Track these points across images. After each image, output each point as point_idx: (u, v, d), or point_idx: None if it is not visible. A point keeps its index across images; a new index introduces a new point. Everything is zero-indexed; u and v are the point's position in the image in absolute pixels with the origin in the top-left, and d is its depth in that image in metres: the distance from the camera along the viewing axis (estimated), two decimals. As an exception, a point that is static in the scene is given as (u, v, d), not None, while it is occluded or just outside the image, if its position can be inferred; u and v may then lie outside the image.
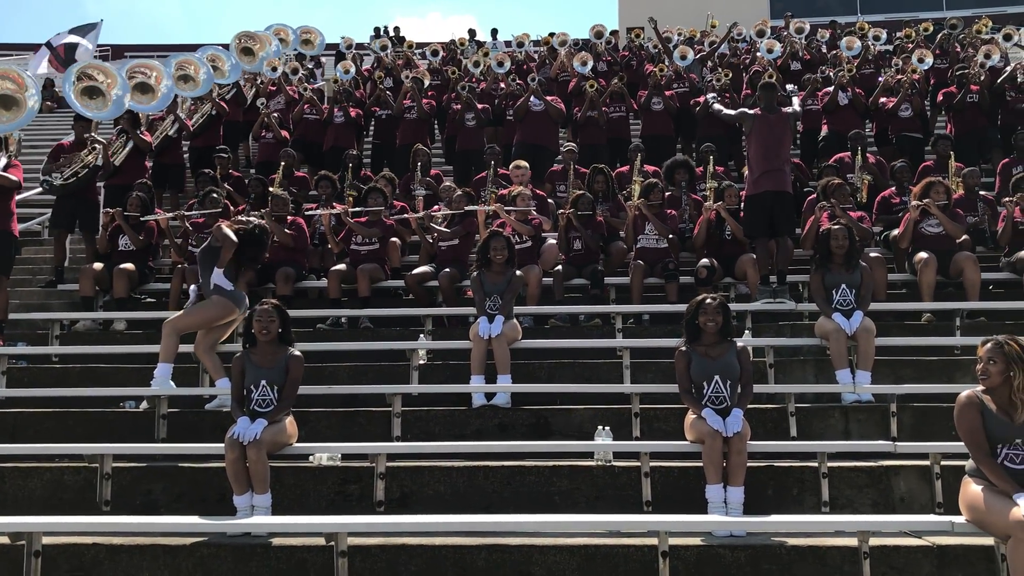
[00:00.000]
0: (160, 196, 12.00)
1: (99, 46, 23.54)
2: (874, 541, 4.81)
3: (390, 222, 9.37)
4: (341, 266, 8.93)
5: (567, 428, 6.60)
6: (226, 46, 13.58)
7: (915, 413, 6.49)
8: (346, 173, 11.24)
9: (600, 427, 6.08)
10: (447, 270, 8.70)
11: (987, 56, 12.96)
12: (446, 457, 6.10)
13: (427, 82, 14.24)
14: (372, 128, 13.94)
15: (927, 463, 5.66)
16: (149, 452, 6.27)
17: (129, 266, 9.17)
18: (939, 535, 4.91)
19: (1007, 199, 8.82)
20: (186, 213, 9.72)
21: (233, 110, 13.46)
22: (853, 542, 4.81)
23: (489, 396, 6.91)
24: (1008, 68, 12.95)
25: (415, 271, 8.94)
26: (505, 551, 5.00)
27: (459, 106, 12.67)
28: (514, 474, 5.87)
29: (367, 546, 5.03)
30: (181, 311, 7.27)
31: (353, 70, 14.91)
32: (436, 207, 9.78)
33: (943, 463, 5.58)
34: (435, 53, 15.99)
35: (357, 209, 9.46)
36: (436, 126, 14.40)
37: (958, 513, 4.73)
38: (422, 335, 7.99)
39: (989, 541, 4.71)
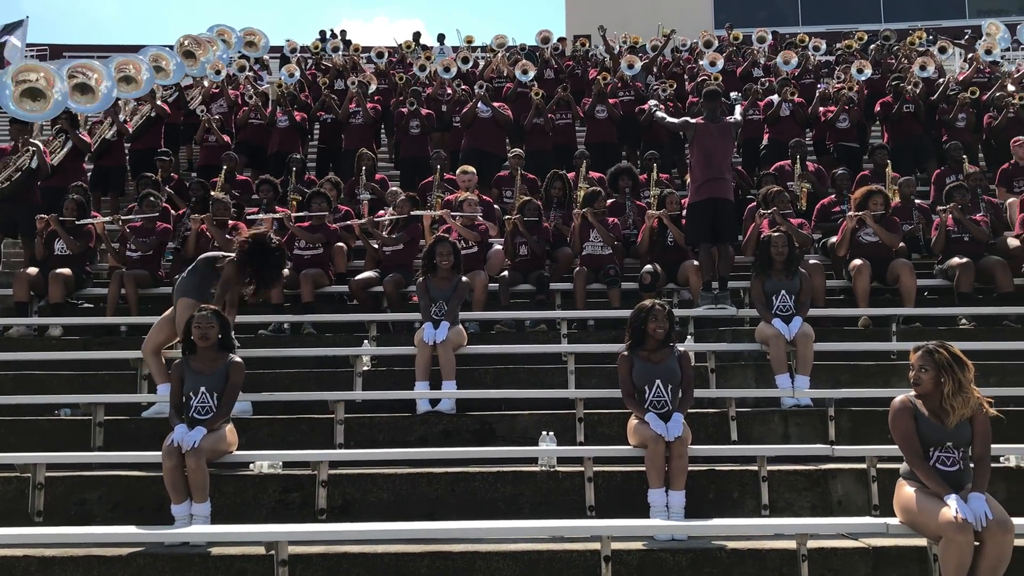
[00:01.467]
0: (99, 199, 11.78)
1: (37, 45, 23.00)
2: (812, 543, 4.89)
3: (334, 227, 9.30)
4: (284, 271, 8.82)
5: (512, 434, 6.61)
6: (171, 47, 13.37)
7: (852, 417, 6.62)
8: (290, 177, 11.14)
9: (544, 432, 6.09)
10: (392, 275, 8.65)
11: (922, 67, 13.33)
12: (390, 464, 6.06)
13: (373, 86, 14.17)
14: (317, 132, 13.81)
15: (864, 466, 5.78)
16: (84, 461, 6.12)
17: (65, 271, 8.95)
18: (875, 537, 5.00)
19: (941, 208, 9.06)
20: (124, 217, 9.53)
21: (175, 113, 13.25)
22: (792, 544, 4.88)
23: (434, 402, 6.88)
24: (942, 81, 13.31)
25: (360, 276, 8.88)
26: (448, 558, 4.98)
27: (405, 111, 12.63)
28: (458, 481, 5.86)
29: (308, 555, 4.98)
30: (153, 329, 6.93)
31: (298, 73, 14.78)
32: (381, 212, 9.72)
33: (879, 466, 5.69)
34: (380, 56, 15.93)
35: (300, 214, 9.37)
36: (383, 130, 14.33)
37: (893, 515, 4.83)
38: (366, 341, 7.94)
39: (922, 542, 4.82)
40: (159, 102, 12.65)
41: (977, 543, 4.43)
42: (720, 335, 8.06)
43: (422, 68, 14.93)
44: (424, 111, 12.59)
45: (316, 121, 13.66)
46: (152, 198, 9.45)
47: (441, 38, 22.71)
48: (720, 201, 8.30)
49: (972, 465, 4.66)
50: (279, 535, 4.83)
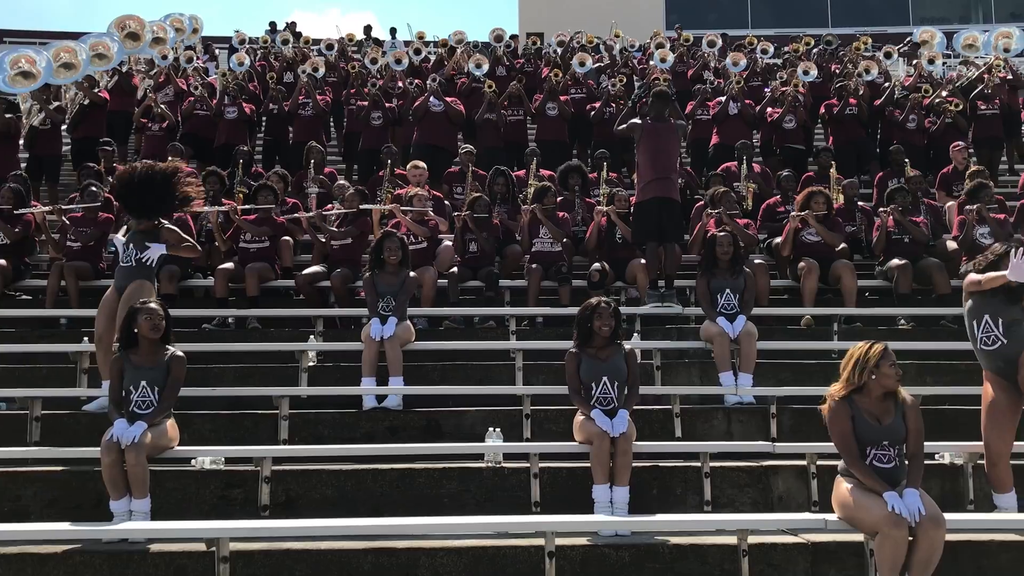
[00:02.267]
0: (37, 189, 11.49)
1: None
2: (753, 539, 4.96)
3: (281, 220, 9.20)
4: (229, 265, 8.72)
5: (458, 430, 6.60)
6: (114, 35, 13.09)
7: (794, 414, 6.72)
8: (236, 169, 10.97)
9: (491, 429, 6.09)
10: (339, 270, 8.58)
11: (866, 71, 13.60)
12: (334, 460, 6.02)
13: (321, 72, 14.03)
14: (264, 124, 13.64)
15: (804, 463, 5.88)
16: (20, 456, 5.97)
17: (2, 261, 8.73)
18: (814, 532, 5.09)
19: (882, 210, 9.25)
20: (64, 207, 9.32)
21: (120, 100, 12.97)
22: (733, 540, 4.95)
23: (380, 398, 6.86)
24: (887, 85, 13.58)
25: (306, 271, 8.80)
26: (392, 554, 4.96)
27: (365, 103, 12.54)
28: (403, 477, 5.84)
29: (250, 551, 4.92)
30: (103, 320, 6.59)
31: (247, 63, 14.57)
32: (329, 206, 9.64)
33: (819, 463, 5.79)
34: (330, 48, 15.77)
35: (247, 207, 9.25)
36: (332, 123, 14.21)
37: (832, 511, 4.91)
38: (312, 336, 7.87)
39: (859, 537, 4.89)
40: (99, 90, 12.37)
41: (911, 538, 4.54)
42: (666, 333, 8.15)
43: (373, 62, 14.83)
44: (386, 104, 12.51)
45: (263, 113, 13.48)
46: (94, 188, 9.25)
47: (393, 32, 22.53)
48: (666, 201, 8.37)
49: (907, 462, 4.76)
50: (220, 531, 4.77)
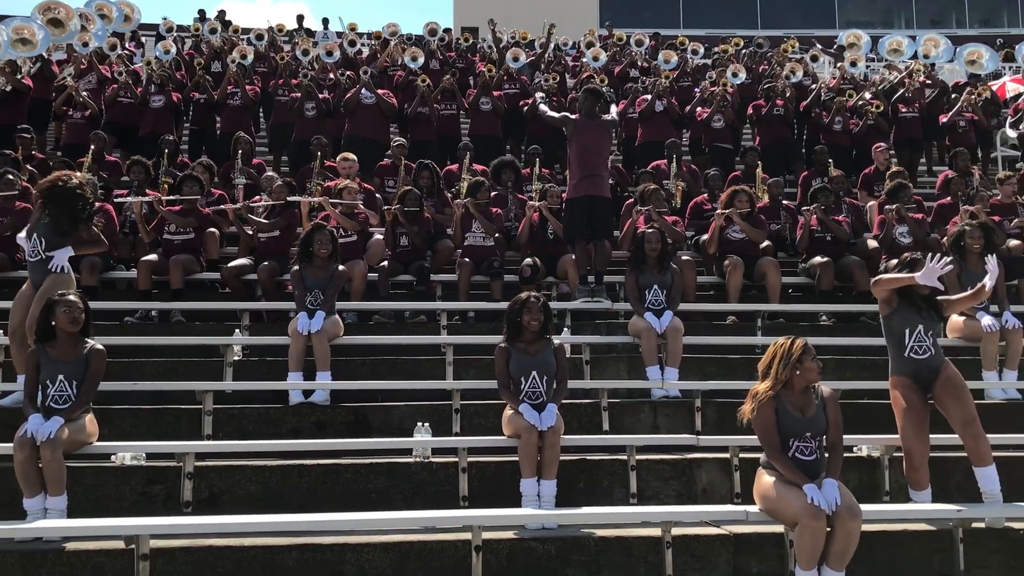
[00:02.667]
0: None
1: None
2: (676, 531, 5.04)
3: (206, 212, 9.02)
4: (152, 256, 8.51)
5: (387, 425, 6.57)
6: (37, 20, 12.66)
7: (718, 408, 6.82)
8: (161, 159, 10.73)
9: (419, 424, 6.08)
10: (267, 263, 8.46)
11: (792, 73, 13.91)
12: (259, 456, 5.93)
13: (249, 60, 13.79)
14: (191, 113, 13.35)
15: (727, 456, 5.98)
16: (-73, 453, 5.75)
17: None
18: (736, 524, 5.18)
19: (806, 208, 9.47)
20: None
21: (41, 87, 12.57)
22: (657, 532, 5.02)
23: (307, 393, 6.78)
24: (814, 87, 13.90)
25: (232, 263, 8.65)
26: (317, 550, 4.91)
27: (297, 94, 12.36)
28: (329, 472, 5.78)
29: (171, 549, 4.82)
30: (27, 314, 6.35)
31: (174, 51, 14.25)
32: (257, 197, 9.49)
33: (741, 455, 5.90)
34: (259, 38, 15.50)
35: (171, 197, 9.05)
36: (261, 114, 13.99)
37: (754, 503, 5.02)
38: (238, 330, 7.74)
39: (780, 528, 5.02)
40: (21, 77, 11.97)
41: (829, 528, 4.66)
42: (596, 328, 8.21)
43: (305, 52, 14.63)
44: (320, 95, 12.36)
45: (190, 102, 13.19)
46: (10, 176, 8.94)
47: (325, 23, 22.29)
48: (596, 198, 8.42)
49: (826, 453, 4.89)
50: (139, 528, 4.66)
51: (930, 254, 5.52)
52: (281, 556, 4.89)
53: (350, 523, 5.05)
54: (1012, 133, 13.52)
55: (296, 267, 7.31)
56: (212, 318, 8.36)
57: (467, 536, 4.88)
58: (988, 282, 5.66)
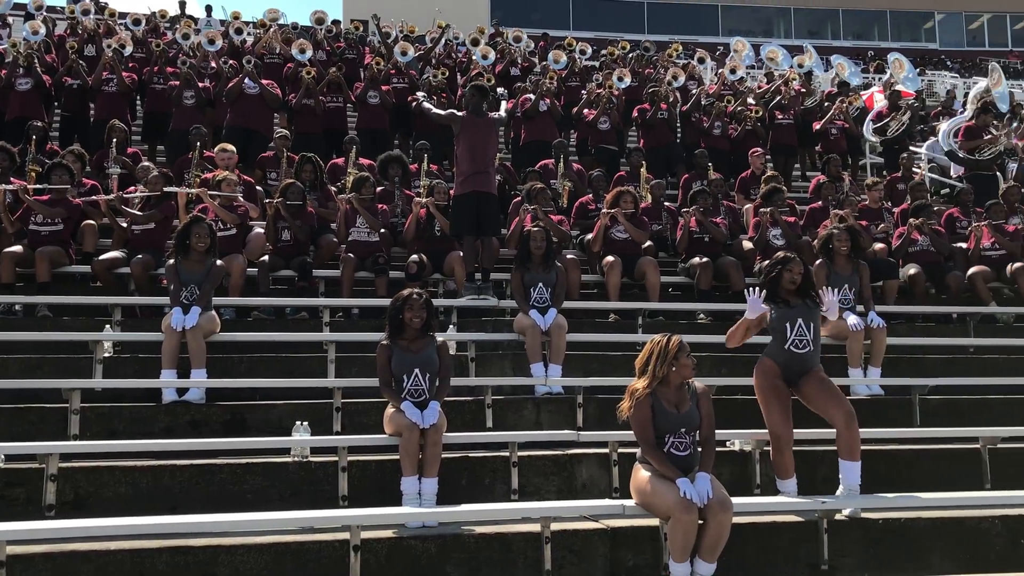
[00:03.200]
0: None
1: None
2: (555, 526, 5.09)
3: (77, 202, 8.62)
4: (17, 248, 8.10)
5: (265, 424, 6.43)
6: None
7: (599, 404, 6.93)
8: (29, 146, 10.18)
9: (298, 423, 5.96)
10: (141, 256, 8.13)
11: (675, 78, 14.27)
12: (129, 456, 5.70)
13: (128, 50, 13.26)
14: (62, 99, 12.72)
15: (607, 451, 6.09)
16: None
17: None
18: (613, 518, 5.27)
19: (686, 210, 9.72)
20: None
21: None
22: (536, 528, 5.05)
23: (181, 392, 6.57)
24: (695, 92, 14.29)
25: (104, 256, 8.29)
26: (188, 553, 4.75)
27: (175, 82, 11.93)
28: (204, 473, 5.61)
29: (30, 555, 4.57)
30: None
31: (43, 32, 13.54)
32: (132, 188, 9.13)
33: (620, 451, 6.01)
34: (137, 23, 14.92)
35: (39, 186, 8.60)
36: (139, 101, 13.45)
37: (631, 497, 5.12)
38: (109, 326, 7.43)
39: (654, 522, 5.12)
40: None
41: (702, 521, 4.80)
42: (481, 325, 8.23)
43: (185, 37, 14.15)
44: (201, 84, 11.97)
45: (62, 87, 12.57)
46: None
47: (208, 9, 21.61)
48: (483, 195, 8.45)
49: (699, 448, 5.03)
50: (-4, 534, 4.42)
51: (749, 288, 5.88)
52: (151, 559, 4.71)
53: (223, 524, 4.90)
54: (874, 137, 14.23)
55: (172, 261, 7.06)
56: (81, 313, 8.01)
57: (345, 536, 4.81)
58: (830, 316, 5.98)
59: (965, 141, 12.71)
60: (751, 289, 5.82)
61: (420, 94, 10.41)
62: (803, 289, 5.88)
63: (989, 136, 12.50)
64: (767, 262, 6.29)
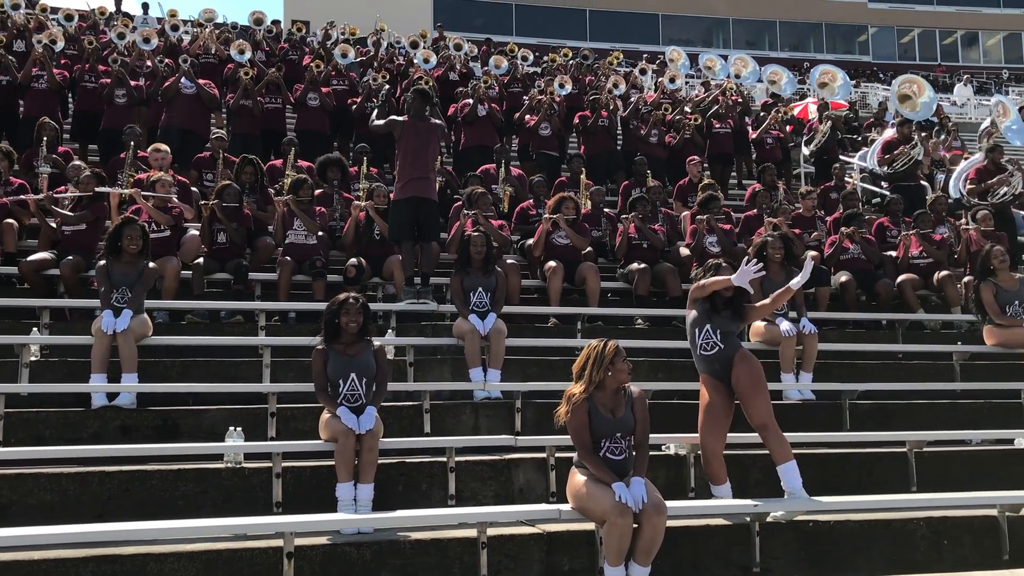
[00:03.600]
0: None
1: None
2: (492, 531, 5.09)
3: (4, 201, 8.38)
4: (-64, 249, 7.84)
5: (197, 430, 6.31)
6: None
7: (538, 409, 6.92)
8: (-49, 143, 9.87)
9: (232, 428, 5.86)
10: (71, 258, 7.92)
11: (615, 86, 14.40)
12: (55, 463, 5.55)
13: (60, 46, 12.93)
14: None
15: (544, 455, 6.10)
16: None
17: None
18: (549, 522, 5.27)
19: (625, 216, 9.82)
20: None
21: None
22: (473, 533, 5.05)
23: (111, 396, 6.42)
24: (633, 100, 14.44)
25: (32, 257, 8.07)
26: (116, 561, 4.64)
27: (107, 80, 11.67)
28: (133, 479, 5.49)
29: (-55, 567, 4.44)
30: None
31: (-32, 27, 13.15)
32: (62, 188, 8.89)
33: (557, 455, 6.02)
34: (69, 19, 14.56)
35: (-37, 185, 8.35)
36: (70, 99, 13.12)
37: (567, 502, 5.14)
38: (36, 328, 7.23)
39: (590, 526, 5.14)
40: None
41: (637, 525, 4.84)
42: (421, 330, 8.20)
43: (120, 36, 13.86)
44: (132, 82, 11.71)
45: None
46: None
47: (145, 7, 21.22)
48: (423, 200, 8.41)
49: (634, 452, 5.07)
50: (-92, 545, 4.27)
51: (746, 258, 5.88)
52: (76, 568, 4.58)
53: (153, 532, 4.80)
54: (806, 151, 14.54)
55: (102, 262, 6.90)
56: (7, 315, 7.76)
57: (279, 543, 4.75)
58: (798, 279, 5.95)
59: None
60: (749, 260, 5.80)
61: (376, 115, 9.88)
62: (731, 299, 5.91)
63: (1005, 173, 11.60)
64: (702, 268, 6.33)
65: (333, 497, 5.39)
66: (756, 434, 5.93)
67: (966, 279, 9.67)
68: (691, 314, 5.96)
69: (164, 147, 9.55)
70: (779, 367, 7.67)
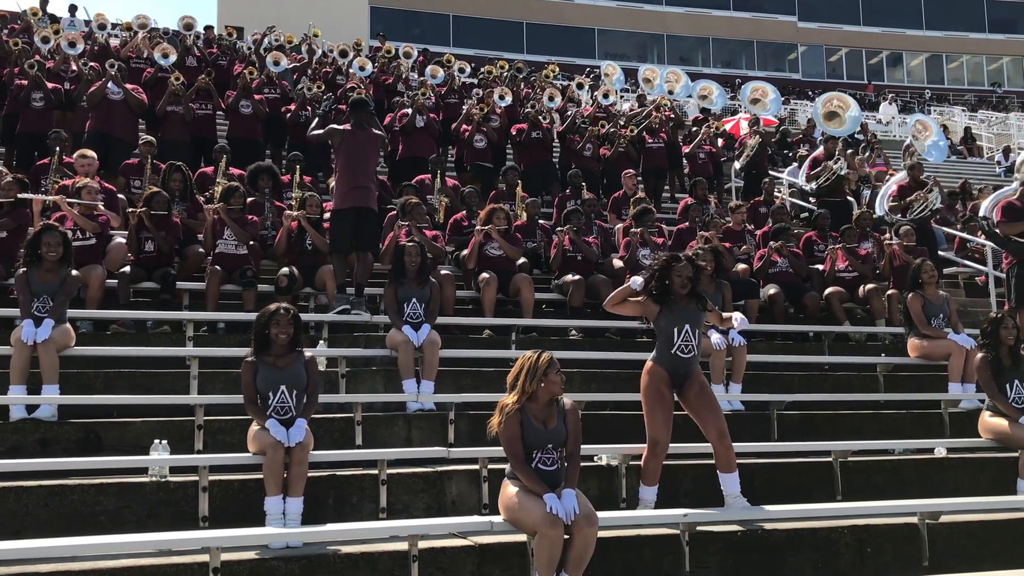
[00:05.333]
0: None
1: None
2: (424, 544, 5.04)
3: (-82, 207, 8.08)
4: None
5: (121, 443, 6.14)
6: None
7: (471, 420, 6.92)
8: None
9: (156, 441, 5.72)
10: (-10, 266, 7.69)
11: (550, 98, 14.51)
12: (-30, 478, 5.36)
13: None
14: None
15: (477, 467, 6.08)
16: None
17: None
18: (481, 535, 5.24)
19: (560, 228, 9.88)
20: None
21: None
22: (404, 546, 5.00)
23: (31, 409, 6.22)
24: (570, 113, 14.56)
25: (-52, 265, 7.79)
26: (33, 580, 4.49)
27: (24, 82, 11.33)
28: (53, 494, 5.32)
29: None
30: None
31: None
32: (-20, 193, 8.60)
33: (491, 467, 6.00)
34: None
35: None
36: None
37: (499, 513, 5.13)
38: (-49, 338, 6.97)
39: (522, 538, 5.12)
40: None
41: (568, 536, 4.85)
42: (354, 340, 8.12)
43: (45, 40, 13.49)
44: (50, 84, 11.39)
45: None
46: None
47: (72, 9, 20.70)
48: (363, 210, 8.35)
49: (565, 463, 5.08)
50: None
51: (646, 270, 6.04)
52: (-11, 589, 4.43)
53: (73, 548, 4.65)
54: (736, 165, 14.83)
55: (22, 270, 6.69)
56: (-80, 325, 7.47)
57: (205, 558, 4.64)
58: (736, 323, 6.22)
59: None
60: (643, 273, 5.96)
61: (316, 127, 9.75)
62: (693, 292, 5.98)
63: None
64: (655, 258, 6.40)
65: (261, 511, 5.29)
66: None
67: (889, 292, 9.96)
68: (656, 315, 5.93)
69: (90, 153, 9.30)
70: (709, 378, 7.76)
